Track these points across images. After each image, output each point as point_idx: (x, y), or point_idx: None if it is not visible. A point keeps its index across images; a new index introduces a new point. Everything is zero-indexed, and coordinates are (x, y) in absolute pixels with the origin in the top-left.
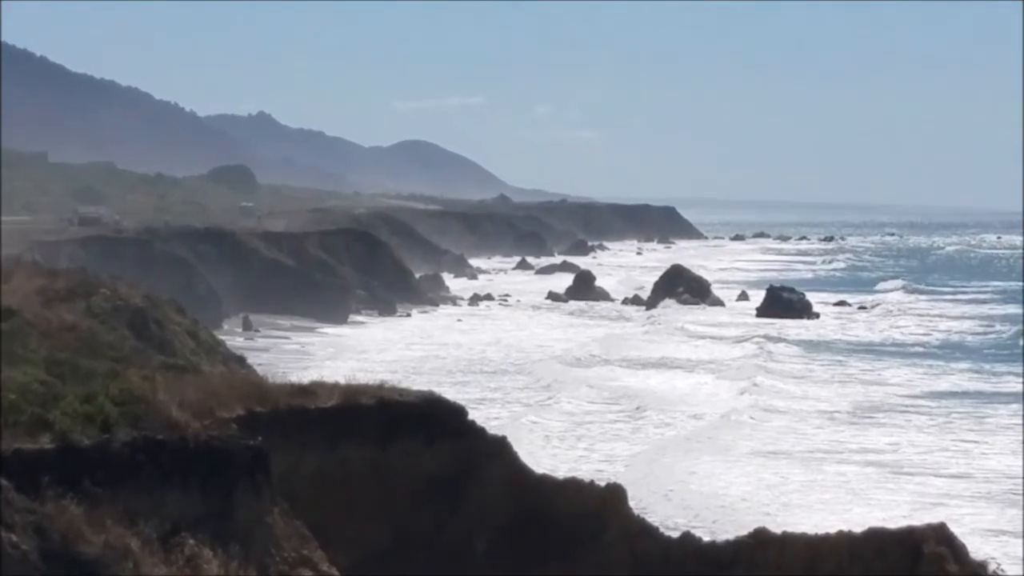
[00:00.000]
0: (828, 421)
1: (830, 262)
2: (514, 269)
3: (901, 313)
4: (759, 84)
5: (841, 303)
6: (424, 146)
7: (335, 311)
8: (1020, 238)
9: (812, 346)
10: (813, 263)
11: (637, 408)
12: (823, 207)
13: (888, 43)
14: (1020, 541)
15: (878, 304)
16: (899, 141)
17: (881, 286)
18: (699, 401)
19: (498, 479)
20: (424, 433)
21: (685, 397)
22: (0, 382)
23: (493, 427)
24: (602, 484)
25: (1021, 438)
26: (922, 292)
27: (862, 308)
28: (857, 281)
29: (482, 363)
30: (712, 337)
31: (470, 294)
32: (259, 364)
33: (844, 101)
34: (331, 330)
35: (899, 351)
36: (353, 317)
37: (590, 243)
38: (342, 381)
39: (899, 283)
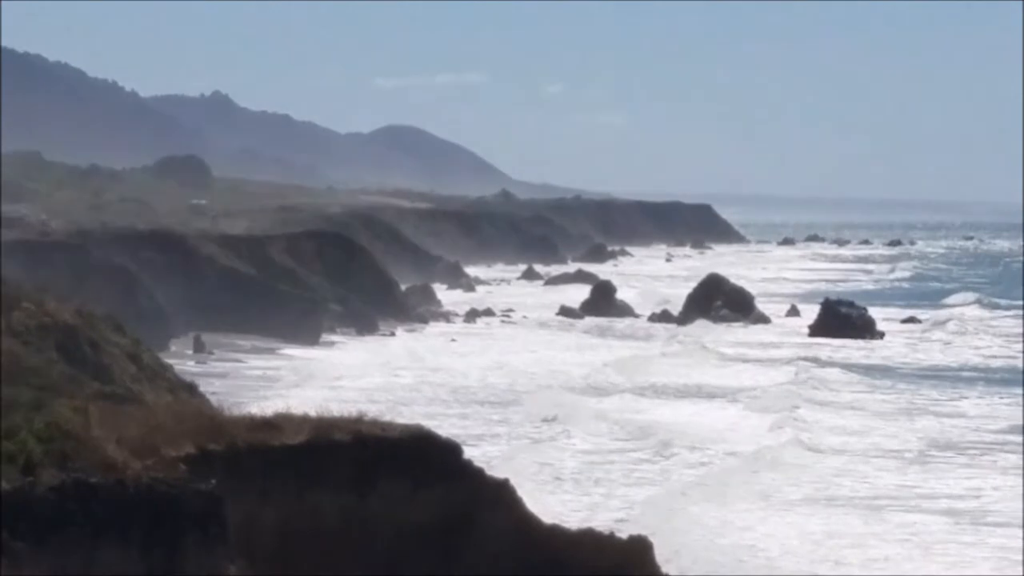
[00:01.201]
0: (893, 461)
1: (891, 271)
2: (519, 279)
3: (976, 332)
4: (814, 59)
5: (910, 320)
6: (411, 132)
7: (304, 329)
8: None
9: (875, 371)
10: (875, 272)
11: (664, 445)
12: (889, 205)
13: (970, 22)
14: None
15: (949, 320)
16: (978, 131)
17: (951, 299)
18: (738, 437)
19: (500, 530)
20: (411, 476)
21: (722, 432)
22: None
23: (494, 468)
24: (624, 537)
25: None
26: (1001, 307)
27: (935, 325)
28: (924, 293)
29: (481, 391)
30: (755, 360)
31: (466, 309)
32: (213, 393)
33: (914, 83)
34: (299, 352)
35: (980, 377)
36: (326, 336)
37: (610, 248)
38: (312, 413)
39: (972, 296)
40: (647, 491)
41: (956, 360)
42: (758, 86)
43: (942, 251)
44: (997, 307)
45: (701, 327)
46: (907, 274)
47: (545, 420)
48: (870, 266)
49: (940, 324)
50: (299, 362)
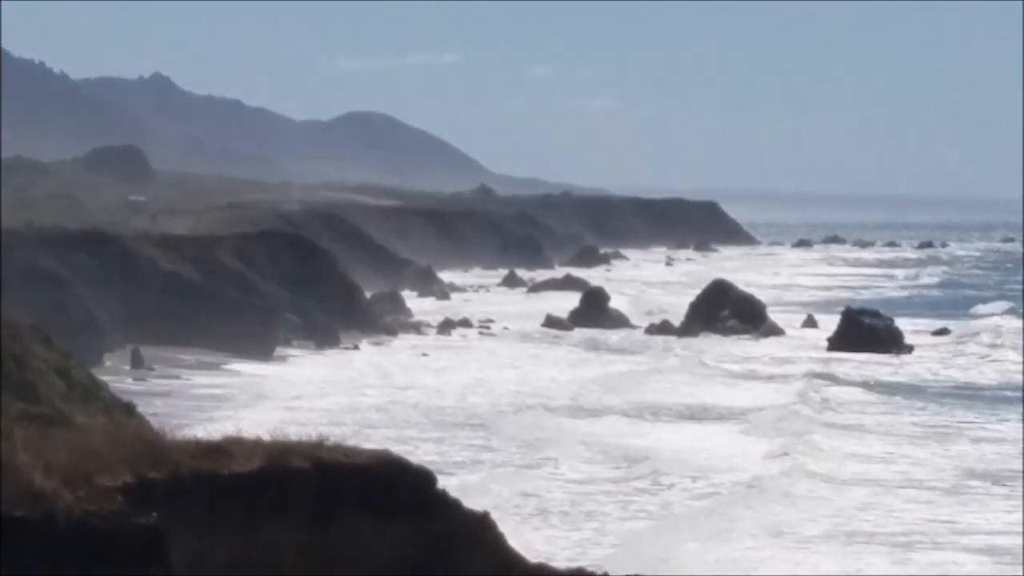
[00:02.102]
0: (923, 492)
1: (917, 276)
2: (500, 285)
3: (1014, 346)
4: (833, 38)
5: (942, 331)
6: (378, 120)
7: (257, 342)
8: None
9: (902, 390)
10: (899, 278)
11: (662, 473)
12: (919, 203)
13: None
14: None
15: (979, 333)
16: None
17: (981, 309)
18: (745, 465)
19: (479, 570)
20: (378, 508)
21: (727, 459)
22: None
23: (472, 499)
24: None
25: None
26: None
27: (962, 338)
28: (955, 302)
29: (457, 413)
30: (766, 378)
31: (440, 319)
32: (154, 414)
33: (948, 67)
34: (251, 368)
35: (1020, 397)
36: (281, 350)
37: (602, 251)
38: (266, 437)
39: (1004, 305)
40: (643, 525)
41: (993, 377)
42: (770, 69)
43: (978, 254)
44: None
45: (705, 340)
46: (935, 280)
47: (528, 445)
48: (895, 271)
49: (969, 336)
50: (251, 379)
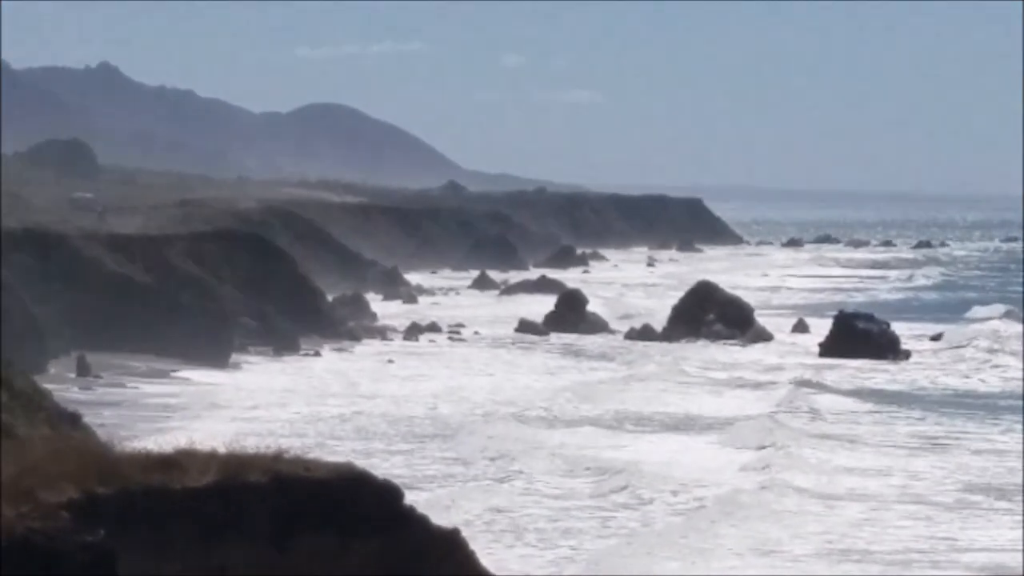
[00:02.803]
0: (922, 508)
1: (910, 278)
2: (470, 288)
3: (1012, 352)
4: (828, 28)
5: (936, 337)
6: (340, 112)
7: (211, 348)
8: None
9: (899, 399)
10: (892, 279)
11: (643, 487)
12: (918, 200)
13: None
14: None
15: (975, 338)
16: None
17: (976, 312)
18: (731, 479)
19: None
20: (341, 525)
21: (712, 473)
22: None
23: (441, 515)
24: None
25: None
26: None
27: (958, 343)
28: (952, 305)
29: (425, 423)
30: (753, 386)
31: (406, 324)
32: (101, 424)
33: (947, 58)
34: (205, 376)
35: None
36: (237, 357)
37: (580, 251)
38: (221, 449)
39: (1000, 308)
40: (622, 543)
41: (995, 385)
42: (758, 58)
43: (978, 254)
44: None
45: (689, 346)
46: (931, 282)
47: (501, 457)
48: (890, 272)
49: (966, 341)
50: (205, 387)
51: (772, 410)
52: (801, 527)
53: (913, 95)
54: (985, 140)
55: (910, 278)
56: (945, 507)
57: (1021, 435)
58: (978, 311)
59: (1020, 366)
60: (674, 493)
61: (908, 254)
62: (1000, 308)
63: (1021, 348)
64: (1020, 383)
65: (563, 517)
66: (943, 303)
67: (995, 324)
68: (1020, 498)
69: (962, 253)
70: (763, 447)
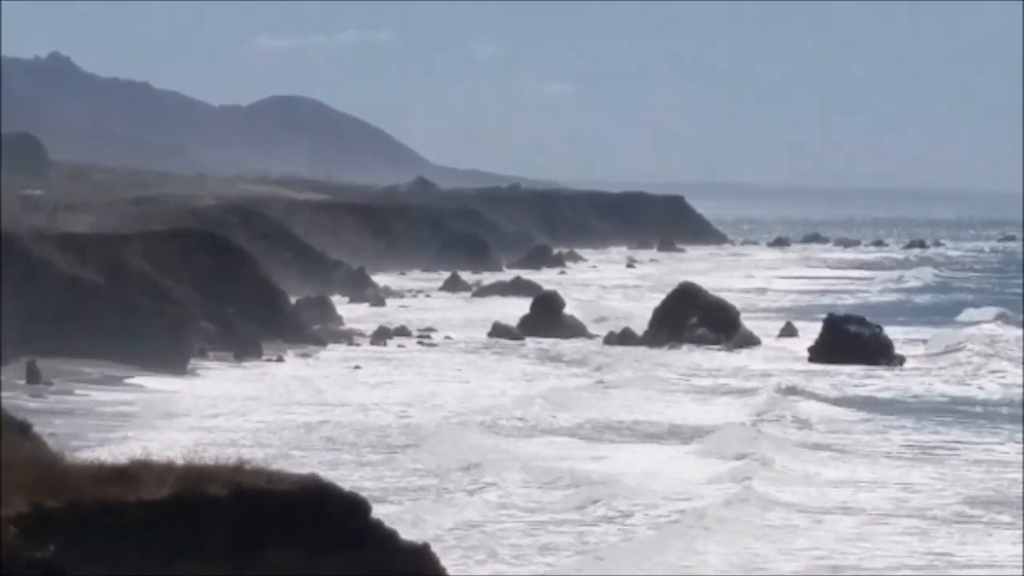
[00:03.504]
0: (917, 522)
1: (899, 279)
2: (441, 290)
3: (1009, 358)
4: (817, 18)
5: (927, 341)
6: (304, 105)
7: (168, 354)
8: None
9: (892, 407)
10: (879, 280)
11: (623, 500)
12: (911, 197)
13: None
14: None
15: (962, 342)
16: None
17: (966, 315)
18: (714, 492)
19: None
20: (305, 539)
21: (695, 486)
22: None
23: (410, 530)
24: None
25: None
26: None
27: (949, 348)
28: (939, 307)
29: (394, 433)
30: (738, 393)
31: (374, 328)
32: (52, 434)
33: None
34: (162, 382)
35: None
36: (196, 362)
37: (556, 251)
38: (179, 460)
39: (993, 311)
40: (600, 560)
41: (994, 392)
42: (743, 49)
43: (974, 255)
44: None
45: (671, 351)
46: (921, 283)
47: (473, 469)
48: (880, 273)
49: (954, 346)
50: (161, 395)
51: (758, 419)
52: (788, 543)
53: (906, 87)
54: (980, 135)
55: (900, 279)
56: (942, 521)
57: (1022, 444)
58: (970, 314)
59: (1018, 371)
60: (655, 507)
61: (900, 254)
62: (993, 311)
63: (1021, 353)
64: (1020, 390)
65: (538, 532)
66: (935, 306)
67: (987, 328)
68: (1021, 511)
69: (957, 253)
70: (747, 458)
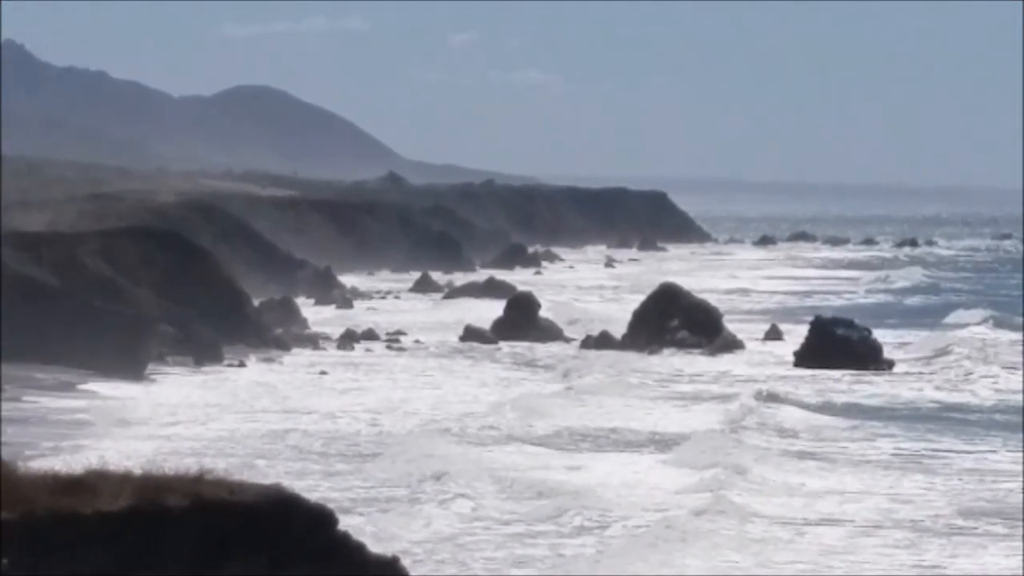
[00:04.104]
0: (907, 533)
1: (885, 278)
2: (411, 291)
3: (1001, 363)
4: (802, 12)
5: (911, 344)
6: (269, 96)
7: (125, 358)
8: None
9: (883, 413)
10: (864, 280)
11: (598, 511)
12: (903, 193)
13: None
14: None
15: (952, 347)
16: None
17: (955, 317)
18: (693, 503)
19: None
20: (269, 553)
21: (673, 497)
22: None
23: (379, 542)
24: None
25: None
26: (1020, 326)
27: (937, 351)
28: (927, 310)
29: (362, 441)
30: (720, 399)
31: (341, 331)
32: (4, 443)
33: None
34: (119, 388)
35: (1015, 422)
36: (155, 367)
37: (532, 250)
38: (137, 470)
39: (982, 313)
40: (575, 573)
41: (987, 398)
42: (728, 38)
43: (967, 254)
44: (1017, 327)
45: (651, 355)
46: (909, 284)
47: (445, 479)
48: (868, 273)
49: (944, 350)
50: (119, 401)
51: (740, 427)
52: (769, 555)
53: (901, 78)
54: (978, 129)
55: (886, 279)
56: (933, 533)
57: (1019, 452)
58: (959, 316)
59: (1011, 376)
60: (631, 518)
61: (889, 253)
62: (981, 313)
63: (1016, 358)
64: (1013, 396)
65: (512, 544)
66: (923, 307)
67: (977, 331)
68: (1017, 522)
69: (949, 252)
70: (728, 468)
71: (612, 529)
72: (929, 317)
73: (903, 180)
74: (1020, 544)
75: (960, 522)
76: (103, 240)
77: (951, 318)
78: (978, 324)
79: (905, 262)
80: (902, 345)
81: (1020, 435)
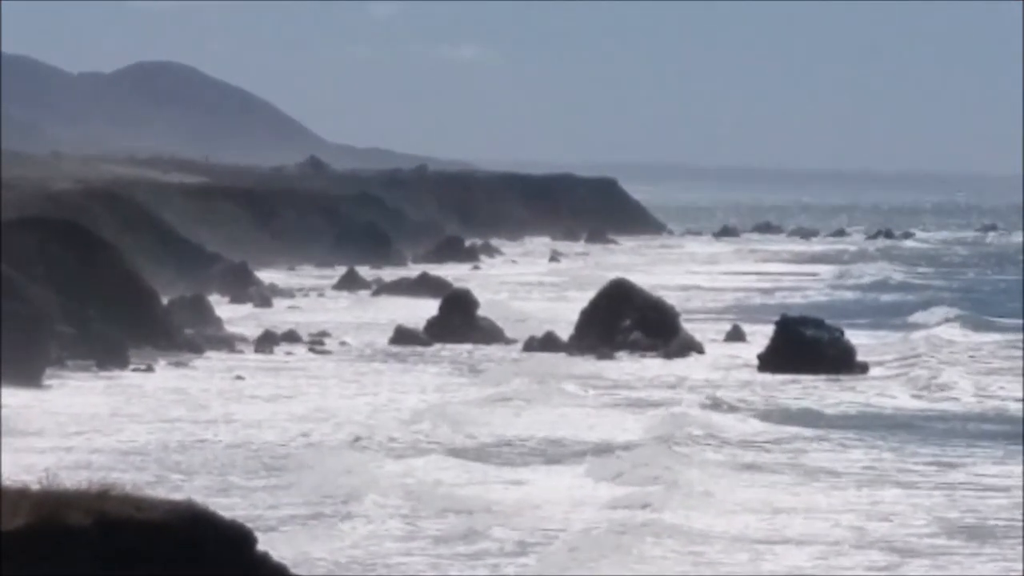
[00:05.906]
0: (884, 555)
1: (842, 275)
2: (336, 288)
3: (961, 364)
4: None
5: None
6: (176, 71)
7: (20, 362)
8: None
9: (856, 422)
10: (823, 276)
11: (538, 530)
12: (880, 182)
13: None
14: None
15: (917, 350)
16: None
17: (919, 316)
18: (646, 518)
19: None
20: (180, 574)
21: (628, 517)
22: None
23: (302, 564)
24: None
25: None
26: (995, 327)
27: (909, 354)
28: (894, 307)
29: (284, 453)
30: (675, 406)
31: (259, 332)
32: None
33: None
34: (13, 395)
35: (1000, 431)
36: (53, 372)
37: (469, 242)
38: (34, 485)
39: (947, 311)
40: None
41: (974, 406)
42: (686, 10)
43: (945, 246)
44: (989, 327)
45: (600, 359)
46: (870, 280)
47: (372, 494)
48: (834, 267)
49: (912, 353)
50: (12, 409)
51: (696, 436)
52: None
53: (879, 52)
54: (966, 112)
55: (847, 274)
56: (914, 552)
57: (1008, 464)
58: (921, 316)
59: (990, 381)
60: (556, 538)
61: (861, 246)
62: (945, 312)
63: (998, 361)
64: (999, 403)
65: (444, 565)
66: (891, 305)
67: (939, 331)
68: (1005, 540)
69: (926, 245)
70: (679, 483)
71: (551, 549)
72: (896, 316)
73: (885, 166)
74: (1012, 566)
75: (944, 541)
76: None
77: (914, 318)
78: (940, 324)
79: (874, 256)
80: (863, 346)
81: (1007, 445)
